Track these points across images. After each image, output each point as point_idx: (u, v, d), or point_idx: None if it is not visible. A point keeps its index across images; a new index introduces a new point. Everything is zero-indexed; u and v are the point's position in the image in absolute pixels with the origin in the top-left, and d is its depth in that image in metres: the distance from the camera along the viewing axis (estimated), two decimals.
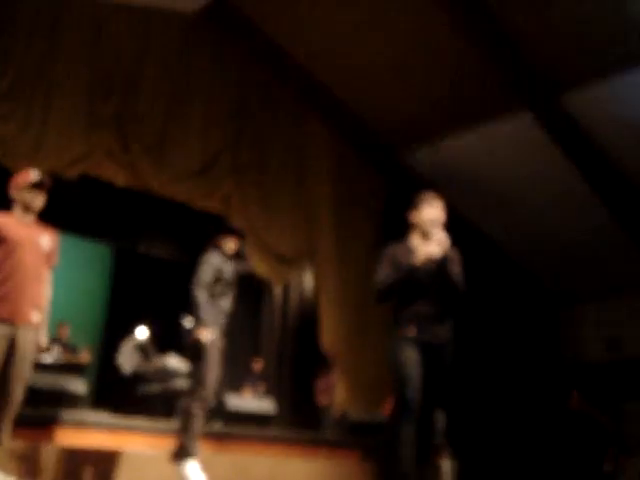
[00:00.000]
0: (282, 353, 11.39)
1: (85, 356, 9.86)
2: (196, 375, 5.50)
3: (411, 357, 4.44)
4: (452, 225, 11.71)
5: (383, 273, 4.57)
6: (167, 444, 6.17)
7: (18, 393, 4.43)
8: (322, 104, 11.22)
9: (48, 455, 5.39)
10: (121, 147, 9.00)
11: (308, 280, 11.65)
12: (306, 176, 11.09)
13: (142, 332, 9.42)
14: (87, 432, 6.03)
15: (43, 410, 6.17)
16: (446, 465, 8.64)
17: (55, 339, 9.86)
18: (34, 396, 6.54)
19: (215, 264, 5.89)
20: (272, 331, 11.47)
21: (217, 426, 7.68)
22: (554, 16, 8.76)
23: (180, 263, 12.11)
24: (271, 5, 9.76)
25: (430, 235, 4.65)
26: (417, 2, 9.04)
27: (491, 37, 9.27)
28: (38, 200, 4.74)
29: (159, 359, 8.89)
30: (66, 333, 10.02)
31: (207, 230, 10.75)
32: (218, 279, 5.82)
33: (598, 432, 9.72)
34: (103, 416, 6.91)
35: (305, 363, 11.44)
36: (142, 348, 9.09)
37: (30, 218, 4.76)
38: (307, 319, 11.57)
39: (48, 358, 9.14)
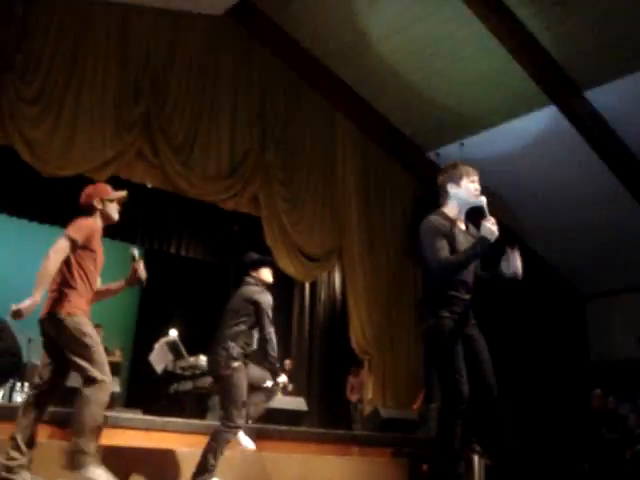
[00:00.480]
0: (312, 352, 11.41)
1: (118, 356, 9.95)
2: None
3: (458, 348, 4.17)
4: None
5: (444, 250, 4.19)
6: (200, 442, 6.23)
7: None
8: (349, 104, 11.26)
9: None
10: (150, 149, 9.09)
11: (337, 278, 11.66)
12: (334, 175, 11.12)
13: (173, 332, 9.48)
14: (122, 431, 6.09)
15: None
16: (477, 461, 8.65)
17: None
18: (70, 396, 6.65)
19: (270, 303, 5.83)
20: (302, 330, 11.50)
21: (250, 425, 7.73)
22: (576, 14, 8.76)
23: (210, 263, 12.20)
24: (297, 6, 9.82)
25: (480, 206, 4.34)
26: None
27: (516, 36, 9.25)
28: (117, 213, 5.00)
29: (190, 358, 8.95)
30: (99, 335, 10.10)
31: (231, 230, 10.90)
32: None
33: (622, 428, 9.66)
34: (137, 415, 6.98)
35: (335, 361, 11.46)
36: (173, 347, 9.15)
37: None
38: (336, 317, 11.59)
39: None
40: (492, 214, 4.32)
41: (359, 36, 9.98)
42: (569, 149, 10.53)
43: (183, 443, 5.84)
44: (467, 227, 4.51)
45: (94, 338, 4.55)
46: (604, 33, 8.88)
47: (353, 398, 11.20)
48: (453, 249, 4.24)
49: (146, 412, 7.41)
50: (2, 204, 10.13)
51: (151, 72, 9.21)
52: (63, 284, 4.67)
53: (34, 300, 4.42)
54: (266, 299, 5.76)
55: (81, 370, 4.46)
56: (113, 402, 7.01)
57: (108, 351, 9.88)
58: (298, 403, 8.52)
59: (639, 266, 12.26)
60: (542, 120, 10.30)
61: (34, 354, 8.62)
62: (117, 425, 6.15)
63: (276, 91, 10.58)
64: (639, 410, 10.01)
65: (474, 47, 9.61)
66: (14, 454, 4.40)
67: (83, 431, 4.34)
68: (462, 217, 4.49)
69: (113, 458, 4.88)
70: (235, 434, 5.50)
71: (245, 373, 5.52)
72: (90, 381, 4.41)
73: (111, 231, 11.08)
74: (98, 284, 4.95)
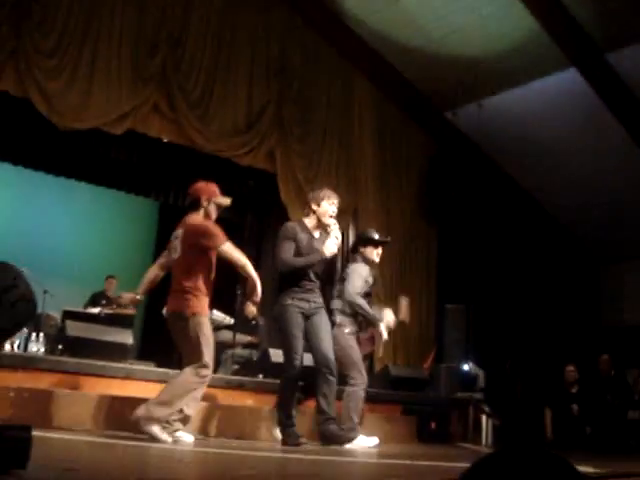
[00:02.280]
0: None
1: (131, 309, 10.02)
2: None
3: (296, 330, 5.51)
4: (496, 182, 11.74)
5: (286, 253, 5.46)
6: (210, 394, 6.33)
7: None
8: (367, 62, 11.18)
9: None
10: (167, 103, 9.08)
11: (351, 237, 11.68)
12: (351, 133, 11.09)
13: None
14: (136, 383, 6.19)
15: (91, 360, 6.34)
16: (485, 421, 8.76)
17: (101, 292, 10.06)
18: (87, 347, 6.77)
19: (364, 275, 6.30)
20: None
21: (260, 378, 7.84)
22: None
23: (224, 218, 12.22)
24: None
25: (328, 227, 5.54)
26: None
27: None
28: (215, 215, 5.38)
29: None
30: (113, 286, 10.19)
31: (247, 186, 10.90)
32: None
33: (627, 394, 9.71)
34: (150, 367, 7.09)
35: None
36: None
37: None
38: None
39: (94, 311, 9.35)
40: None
41: None
42: (588, 113, 10.45)
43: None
44: (320, 235, 5.65)
45: (209, 339, 5.06)
46: None
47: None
48: (303, 251, 5.47)
49: (159, 365, 7.51)
50: (18, 156, 10.17)
51: (168, 26, 9.16)
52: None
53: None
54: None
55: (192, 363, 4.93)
56: (126, 354, 7.14)
57: (122, 304, 9.97)
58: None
59: None
60: (562, 83, 10.20)
61: (49, 305, 8.74)
62: (131, 377, 6.25)
63: (294, 47, 10.51)
64: None
65: (495, 6, 9.49)
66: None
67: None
68: (319, 228, 5.67)
69: (129, 409, 4.97)
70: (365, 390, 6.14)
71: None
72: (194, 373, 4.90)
73: (126, 186, 11.28)
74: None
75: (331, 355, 5.52)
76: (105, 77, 8.56)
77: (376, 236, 6.56)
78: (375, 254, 6.46)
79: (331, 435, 5.53)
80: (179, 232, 5.20)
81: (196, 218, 5.22)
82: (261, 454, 4.77)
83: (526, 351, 11.61)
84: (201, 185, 5.36)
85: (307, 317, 5.52)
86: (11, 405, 4.83)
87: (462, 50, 10.33)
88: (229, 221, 12.16)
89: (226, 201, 5.37)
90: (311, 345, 5.53)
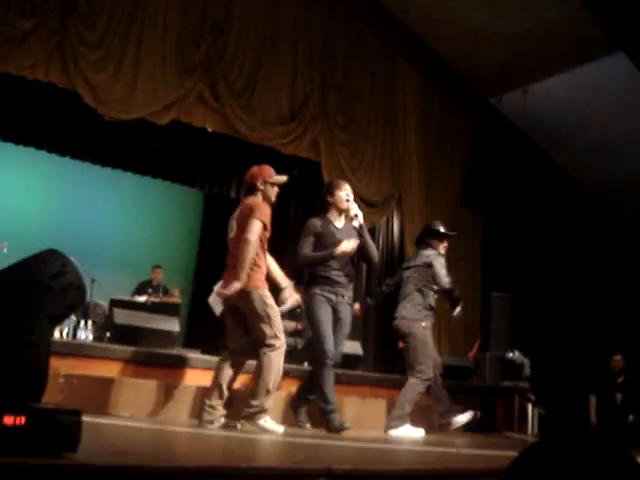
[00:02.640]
0: (368, 295, 11.46)
1: (177, 297, 10.14)
2: None
3: (325, 317, 5.73)
4: (542, 170, 11.60)
5: (305, 248, 5.70)
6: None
7: None
8: (411, 50, 11.11)
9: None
10: (211, 93, 9.12)
11: (395, 225, 11.65)
12: (394, 120, 11.04)
13: None
14: (182, 370, 6.26)
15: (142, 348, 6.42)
16: (531, 409, 8.69)
17: (148, 281, 10.19)
18: (134, 334, 6.86)
19: (444, 263, 6.65)
20: (359, 275, 11.54)
21: (305, 366, 7.87)
22: None
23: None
24: None
25: (348, 212, 5.81)
26: None
27: None
28: (275, 195, 5.49)
29: None
30: (159, 276, 10.31)
31: (291, 175, 10.92)
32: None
33: None
34: (196, 355, 7.16)
35: (391, 307, 11.52)
36: None
37: None
38: (394, 263, 11.60)
39: (141, 299, 9.47)
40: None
41: None
42: (636, 96, 10.26)
43: (239, 381, 5.97)
44: (345, 225, 5.92)
45: (275, 309, 5.20)
46: None
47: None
48: (326, 243, 5.69)
49: (205, 352, 7.58)
50: (66, 147, 10.33)
51: (212, 15, 9.20)
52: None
53: (242, 282, 5.05)
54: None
55: (264, 336, 5.11)
56: (173, 342, 7.22)
57: (168, 291, 10.10)
58: (354, 347, 8.61)
59: None
60: (608, 67, 10.03)
61: (96, 294, 8.88)
62: (178, 364, 6.32)
63: (338, 36, 10.48)
64: None
65: None
66: (215, 403, 5.10)
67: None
68: (341, 218, 5.92)
69: (177, 395, 5.04)
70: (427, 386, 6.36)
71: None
72: (269, 347, 5.08)
73: (172, 175, 11.39)
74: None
75: (342, 350, 5.88)
76: (150, 68, 8.63)
77: (443, 229, 6.82)
78: (441, 247, 6.72)
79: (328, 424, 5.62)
80: (236, 213, 5.42)
81: (252, 199, 5.38)
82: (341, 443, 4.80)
83: (573, 339, 11.48)
84: (254, 169, 5.46)
85: (334, 309, 5.71)
86: (61, 391, 4.92)
87: (507, 35, 10.21)
88: (273, 210, 12.27)
89: (282, 179, 5.47)
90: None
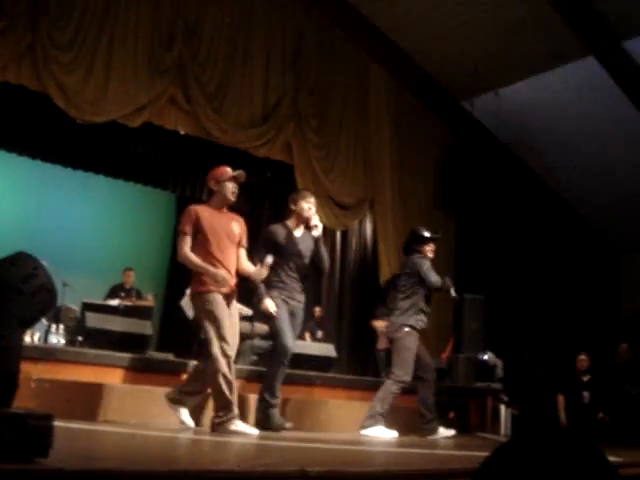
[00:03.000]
0: (342, 299, 11.48)
1: (150, 301, 10.09)
2: None
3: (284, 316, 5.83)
4: (514, 172, 11.70)
5: (262, 253, 5.66)
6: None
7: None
8: (383, 52, 11.17)
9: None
10: (183, 95, 9.11)
11: (368, 227, 11.68)
12: (367, 123, 11.08)
13: None
14: (153, 374, 6.22)
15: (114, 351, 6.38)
16: (504, 410, 8.74)
17: (120, 285, 10.13)
18: (106, 338, 6.82)
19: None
20: (332, 277, 11.55)
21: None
22: None
23: (241, 210, 12.21)
24: None
25: (309, 220, 5.89)
26: None
27: None
28: (235, 193, 5.37)
29: None
30: (132, 278, 10.25)
31: (264, 177, 10.91)
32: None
33: None
34: (169, 358, 7.13)
35: (365, 309, 11.53)
36: None
37: (224, 208, 5.39)
38: (367, 265, 11.63)
39: (113, 302, 9.41)
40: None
41: None
42: (606, 100, 10.39)
43: None
44: (303, 234, 6.04)
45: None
46: None
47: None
48: (285, 251, 5.85)
49: (178, 356, 7.55)
50: (37, 150, 10.24)
51: (184, 18, 9.19)
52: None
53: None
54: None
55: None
56: (146, 345, 7.18)
57: (140, 295, 10.04)
58: (327, 349, 8.63)
59: None
60: (579, 71, 10.14)
61: (68, 298, 8.80)
62: (150, 368, 6.28)
63: (310, 38, 10.50)
64: None
65: None
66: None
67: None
68: (299, 227, 6.03)
69: (148, 399, 5.01)
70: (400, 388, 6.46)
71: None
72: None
73: (144, 177, 11.34)
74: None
75: (294, 348, 5.94)
76: (121, 70, 8.59)
77: (427, 233, 6.95)
78: (429, 251, 6.82)
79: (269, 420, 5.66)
80: None
81: (209, 201, 5.44)
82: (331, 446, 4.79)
83: (544, 341, 11.57)
84: (211, 173, 5.43)
85: (291, 313, 5.88)
86: (33, 396, 4.87)
87: (478, 39, 10.29)
88: (247, 212, 12.24)
89: (233, 173, 5.36)
90: None
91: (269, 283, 5.84)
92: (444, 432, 6.62)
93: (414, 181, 11.55)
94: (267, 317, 5.85)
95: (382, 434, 6.11)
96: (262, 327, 9.08)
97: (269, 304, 5.71)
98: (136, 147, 9.84)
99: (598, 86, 10.18)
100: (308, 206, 5.96)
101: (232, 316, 5.19)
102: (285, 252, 5.86)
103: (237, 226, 5.40)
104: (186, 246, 5.11)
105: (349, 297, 11.50)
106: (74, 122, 8.35)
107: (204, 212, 5.23)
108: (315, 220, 5.91)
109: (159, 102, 8.92)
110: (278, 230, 5.98)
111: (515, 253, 12.16)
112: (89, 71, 8.37)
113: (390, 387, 6.38)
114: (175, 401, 5.16)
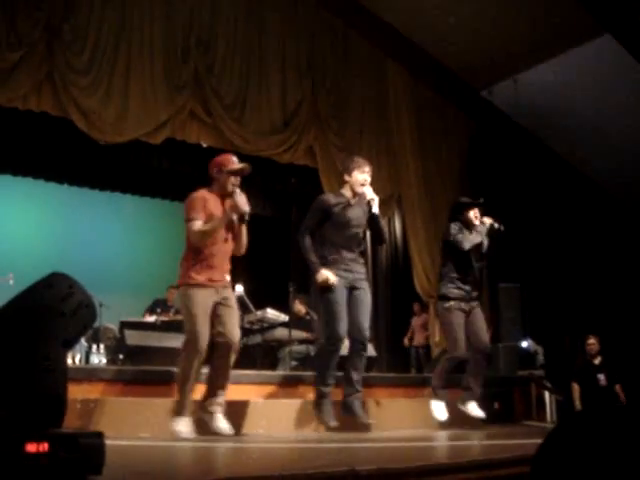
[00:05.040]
0: (377, 298, 11.43)
1: None
2: None
3: (337, 297, 5.44)
4: (539, 157, 11.54)
5: (311, 222, 5.48)
6: (272, 393, 6.38)
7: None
8: (398, 48, 11.13)
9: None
10: (203, 108, 9.17)
11: (397, 224, 11.66)
12: (388, 120, 11.07)
13: (239, 287, 9.65)
14: (197, 385, 6.24)
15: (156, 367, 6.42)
16: (548, 397, 8.66)
17: (162, 300, 10.13)
18: (147, 354, 6.86)
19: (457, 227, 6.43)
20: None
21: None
22: None
23: (269, 217, 12.26)
24: None
25: (363, 196, 5.56)
26: None
27: None
28: (235, 185, 5.06)
29: (257, 312, 9.10)
30: (174, 296, 10.26)
31: (290, 183, 10.94)
32: None
33: None
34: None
35: (401, 306, 11.53)
36: (240, 303, 9.30)
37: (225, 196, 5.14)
38: (399, 263, 11.62)
39: (150, 319, 9.46)
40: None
41: None
42: (625, 76, 10.26)
43: (256, 394, 5.98)
44: (357, 202, 5.62)
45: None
46: None
47: (415, 342, 11.31)
48: (337, 220, 5.45)
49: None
50: (64, 175, 10.35)
51: (197, 31, 9.25)
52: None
53: None
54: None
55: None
56: None
57: (178, 311, 10.07)
58: (368, 349, 8.60)
59: None
60: (596, 50, 10.04)
61: (105, 318, 8.87)
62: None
63: (324, 41, 10.52)
64: None
65: None
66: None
67: None
68: (355, 197, 5.60)
69: (194, 411, 5.03)
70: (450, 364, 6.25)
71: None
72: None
73: (171, 193, 11.39)
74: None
75: (367, 330, 5.53)
76: (140, 89, 8.67)
77: (464, 199, 6.82)
78: (473, 216, 6.48)
79: (352, 408, 5.50)
80: None
81: (198, 190, 5.15)
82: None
83: (584, 324, 11.45)
84: (212, 160, 5.20)
85: (350, 288, 5.46)
86: (79, 417, 4.91)
87: (492, 27, 10.22)
88: (274, 218, 12.28)
89: (238, 166, 5.12)
90: (350, 317, 5.42)
91: (322, 258, 5.42)
92: (472, 408, 6.24)
93: (440, 174, 11.52)
94: (323, 291, 5.36)
95: (434, 410, 6.09)
96: (300, 333, 9.13)
97: (326, 274, 5.27)
98: (160, 163, 9.93)
99: (616, 63, 10.07)
100: (363, 178, 5.57)
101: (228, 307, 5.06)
102: (337, 222, 5.45)
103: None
104: (196, 227, 4.94)
105: (383, 295, 11.49)
106: (97, 144, 8.43)
107: (210, 199, 5.07)
108: (370, 194, 5.56)
109: (179, 117, 8.98)
110: (330, 199, 5.61)
111: (547, 238, 12.06)
112: (108, 92, 8.45)
113: (443, 362, 6.32)
114: None
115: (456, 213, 6.60)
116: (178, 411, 4.94)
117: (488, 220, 6.49)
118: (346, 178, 5.64)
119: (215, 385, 5.05)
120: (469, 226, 6.42)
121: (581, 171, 12.59)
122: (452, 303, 6.25)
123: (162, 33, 8.99)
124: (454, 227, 6.37)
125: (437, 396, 6.18)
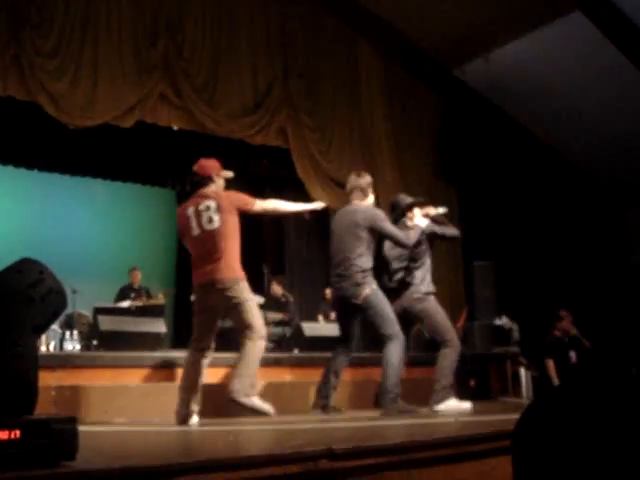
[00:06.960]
0: None
1: (161, 299, 10.09)
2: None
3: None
4: (512, 135, 11.60)
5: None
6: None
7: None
8: (369, 27, 11.07)
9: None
10: (173, 90, 9.07)
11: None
12: (360, 101, 11.02)
13: None
14: (172, 371, 6.22)
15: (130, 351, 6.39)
16: (524, 373, 8.73)
17: (129, 285, 10.11)
18: (121, 339, 6.82)
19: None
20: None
21: (295, 352, 7.87)
22: None
23: None
24: None
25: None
26: None
27: None
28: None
29: None
30: (138, 277, 10.23)
31: (262, 164, 10.89)
32: None
33: None
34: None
35: (380, 286, 11.53)
36: None
37: None
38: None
39: (124, 304, 9.41)
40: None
41: None
42: (596, 53, 10.28)
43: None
44: None
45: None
46: None
47: None
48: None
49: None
50: (33, 160, 10.23)
51: (166, 13, 9.13)
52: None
53: None
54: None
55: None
56: (160, 343, 7.18)
57: (150, 293, 10.05)
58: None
59: None
60: (567, 27, 10.04)
61: (79, 304, 8.80)
62: (167, 365, 6.28)
63: (294, 20, 10.43)
64: None
65: None
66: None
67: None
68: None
69: (170, 396, 5.01)
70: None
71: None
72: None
73: (142, 178, 11.31)
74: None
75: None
76: (109, 72, 8.55)
77: (409, 200, 6.74)
78: (421, 216, 6.53)
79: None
80: (208, 204, 5.16)
81: (216, 190, 5.30)
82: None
83: (558, 300, 11.54)
84: (207, 162, 5.45)
85: None
86: (54, 403, 4.88)
87: (463, 4, 10.18)
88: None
89: (229, 174, 5.49)
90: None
91: (367, 271, 5.94)
92: (459, 405, 5.94)
93: (413, 154, 11.51)
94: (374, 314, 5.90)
95: (456, 407, 5.82)
96: (276, 315, 9.12)
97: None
98: (131, 147, 9.83)
99: (587, 40, 10.09)
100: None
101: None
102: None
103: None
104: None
105: None
106: (66, 128, 8.33)
107: None
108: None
109: (150, 100, 8.88)
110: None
111: (520, 216, 12.12)
112: (76, 76, 8.33)
113: (450, 356, 6.05)
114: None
115: (404, 213, 6.60)
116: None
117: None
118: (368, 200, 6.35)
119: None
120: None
121: (553, 148, 12.64)
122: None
123: (130, 15, 8.86)
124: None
125: (451, 394, 5.95)
